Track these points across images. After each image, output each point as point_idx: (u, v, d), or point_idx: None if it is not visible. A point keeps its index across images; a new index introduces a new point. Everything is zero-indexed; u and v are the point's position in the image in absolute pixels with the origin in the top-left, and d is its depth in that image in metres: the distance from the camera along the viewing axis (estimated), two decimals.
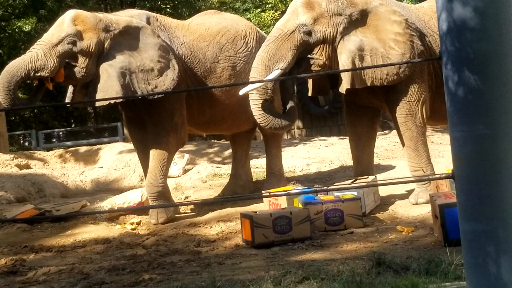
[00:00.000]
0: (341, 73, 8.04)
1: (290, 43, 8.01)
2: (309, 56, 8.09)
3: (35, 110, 27.74)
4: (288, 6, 8.70)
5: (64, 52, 8.15)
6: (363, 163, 8.71)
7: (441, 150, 11.70)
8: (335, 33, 8.02)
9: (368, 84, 7.99)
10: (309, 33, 7.99)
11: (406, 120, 8.20)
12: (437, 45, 8.31)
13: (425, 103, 8.18)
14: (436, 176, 7.93)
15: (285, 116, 8.36)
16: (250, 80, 8.27)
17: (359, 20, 8.09)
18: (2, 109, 9.67)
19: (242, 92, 8.25)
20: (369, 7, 8.15)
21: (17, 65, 8.05)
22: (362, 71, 7.92)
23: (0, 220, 8.77)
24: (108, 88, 8.21)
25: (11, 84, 7.96)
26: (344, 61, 7.95)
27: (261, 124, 8.32)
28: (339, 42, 8.04)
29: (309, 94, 9.16)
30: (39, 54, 8.05)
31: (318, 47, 8.05)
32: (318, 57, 8.06)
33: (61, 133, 27.44)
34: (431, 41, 8.37)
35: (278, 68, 7.93)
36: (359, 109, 8.70)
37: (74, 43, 8.19)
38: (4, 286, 6.22)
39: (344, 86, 8.04)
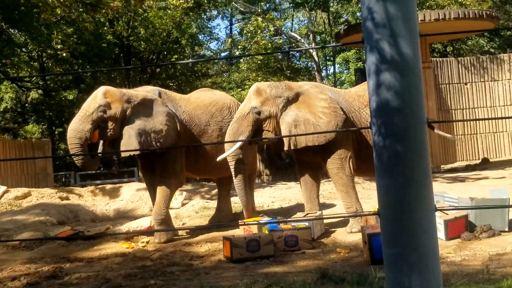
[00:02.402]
0: (283, 138, 8.19)
1: (247, 121, 8.23)
2: (262, 127, 8.28)
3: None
4: None
5: (97, 118, 8.17)
6: (312, 202, 8.69)
7: (369, 194, 11.71)
8: (277, 111, 8.22)
9: (303, 145, 8.11)
10: (259, 113, 8.22)
11: (338, 172, 8.28)
12: (357, 119, 8.54)
13: (352, 158, 8.29)
14: (366, 213, 7.91)
15: None
16: (226, 149, 8.46)
17: (295, 99, 8.28)
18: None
19: (219, 158, 8.42)
20: (302, 89, 8.38)
21: (76, 129, 8.11)
22: (296, 137, 8.03)
23: (45, 238, 8.68)
24: (129, 144, 8.21)
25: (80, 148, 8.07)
26: (283, 130, 8.16)
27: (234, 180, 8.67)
28: (280, 117, 8.21)
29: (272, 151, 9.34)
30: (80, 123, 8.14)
31: (267, 121, 8.26)
32: (268, 128, 8.28)
33: (93, 174, 27.19)
34: (354, 116, 8.54)
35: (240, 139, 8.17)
36: (305, 163, 8.71)
37: (104, 112, 8.21)
38: (47, 287, 6.14)
39: (284, 147, 8.22)
